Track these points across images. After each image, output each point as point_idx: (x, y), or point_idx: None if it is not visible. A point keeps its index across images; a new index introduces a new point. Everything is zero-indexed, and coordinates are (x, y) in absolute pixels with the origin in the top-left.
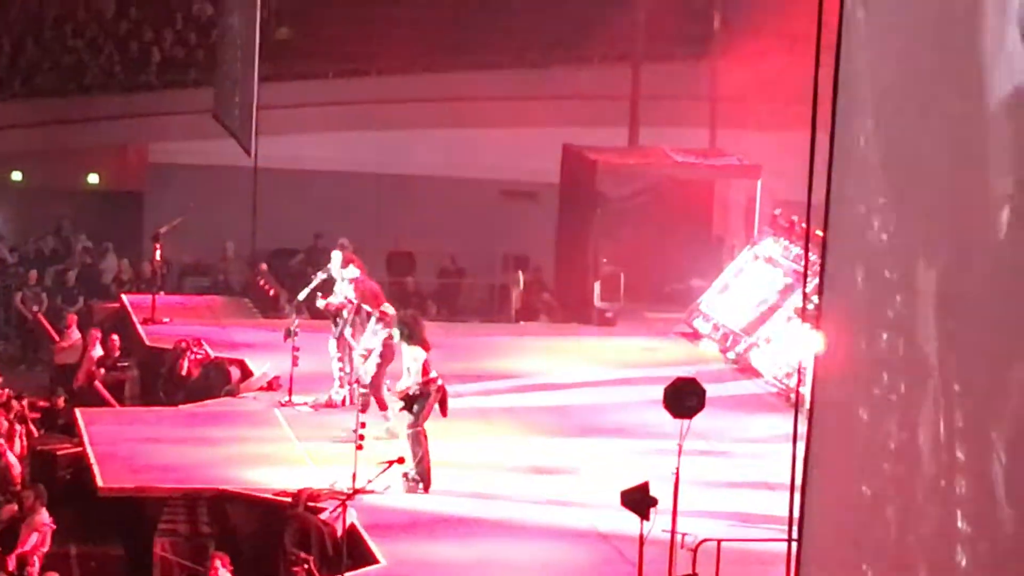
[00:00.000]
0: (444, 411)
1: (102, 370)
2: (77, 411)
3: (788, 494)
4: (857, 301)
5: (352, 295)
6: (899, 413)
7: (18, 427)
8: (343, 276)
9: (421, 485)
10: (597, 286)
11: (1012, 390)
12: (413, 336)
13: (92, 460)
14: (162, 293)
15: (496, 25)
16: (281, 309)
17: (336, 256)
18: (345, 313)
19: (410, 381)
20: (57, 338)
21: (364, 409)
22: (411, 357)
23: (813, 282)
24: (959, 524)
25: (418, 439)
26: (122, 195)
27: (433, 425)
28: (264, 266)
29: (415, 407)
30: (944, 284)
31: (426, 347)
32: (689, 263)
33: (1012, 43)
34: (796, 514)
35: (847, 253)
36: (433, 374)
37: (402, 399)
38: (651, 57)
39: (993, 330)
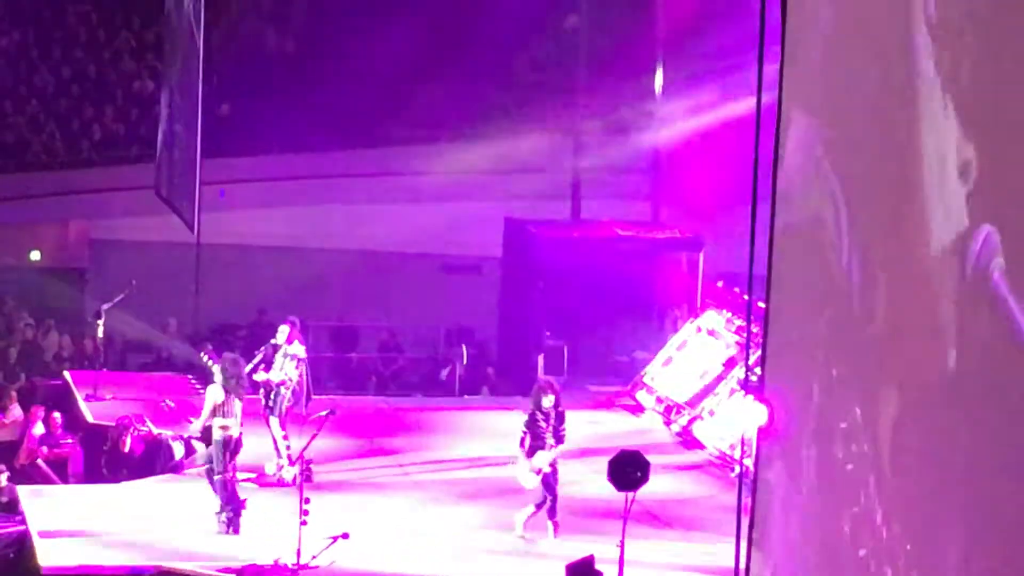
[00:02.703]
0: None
1: (44, 447)
2: (19, 489)
3: (733, 566)
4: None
5: (293, 373)
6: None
7: None
8: (287, 352)
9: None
10: (540, 359)
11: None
12: (230, 380)
13: (34, 538)
14: (104, 370)
15: (435, 98)
16: None
17: (283, 330)
18: (283, 390)
19: (202, 420)
20: None
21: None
22: (211, 397)
23: (756, 354)
24: None
25: (224, 485)
26: (64, 272)
27: (377, 500)
28: (209, 346)
29: (212, 449)
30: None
31: (237, 395)
32: (632, 335)
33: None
34: None
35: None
36: (229, 421)
37: (201, 433)
38: (592, 129)
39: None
